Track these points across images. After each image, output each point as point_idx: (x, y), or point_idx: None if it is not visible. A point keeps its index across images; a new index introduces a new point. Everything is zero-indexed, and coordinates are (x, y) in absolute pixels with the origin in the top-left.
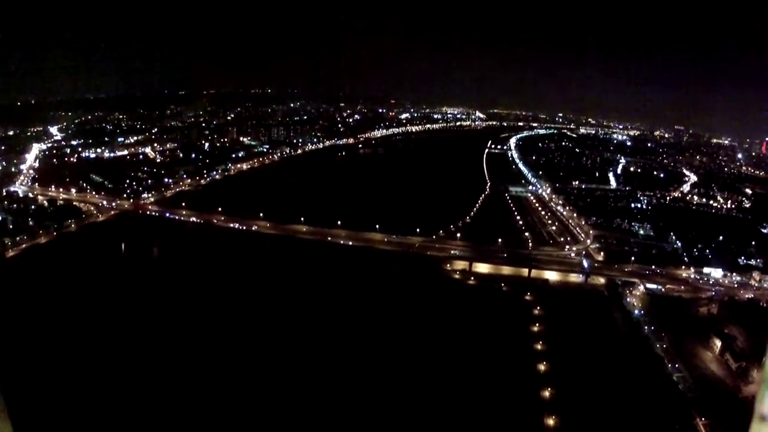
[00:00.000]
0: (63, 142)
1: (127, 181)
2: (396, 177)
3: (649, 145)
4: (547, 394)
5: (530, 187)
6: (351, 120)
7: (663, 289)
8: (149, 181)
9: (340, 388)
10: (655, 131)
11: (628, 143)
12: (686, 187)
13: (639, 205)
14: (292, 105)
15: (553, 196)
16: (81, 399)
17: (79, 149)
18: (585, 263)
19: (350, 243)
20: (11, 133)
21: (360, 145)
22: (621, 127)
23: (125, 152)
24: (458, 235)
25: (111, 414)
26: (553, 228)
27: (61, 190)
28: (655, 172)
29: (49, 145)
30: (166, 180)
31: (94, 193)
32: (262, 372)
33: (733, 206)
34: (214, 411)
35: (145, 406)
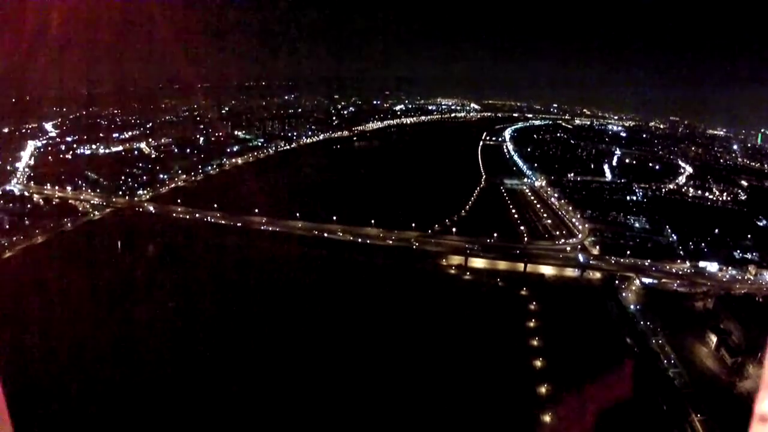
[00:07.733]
0: (58, 139)
1: (123, 177)
2: (391, 170)
3: (644, 136)
4: (543, 390)
5: (525, 180)
6: (346, 112)
7: (658, 284)
8: (144, 177)
9: (334, 384)
10: (650, 122)
11: (624, 134)
12: (682, 179)
13: (634, 198)
14: (286, 98)
15: (549, 188)
16: (80, 398)
17: (74, 145)
18: (580, 257)
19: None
20: (6, 130)
21: (355, 138)
22: (616, 117)
23: (120, 148)
24: (454, 229)
25: (110, 413)
26: (549, 221)
27: (56, 188)
28: (650, 164)
29: (45, 141)
30: (161, 176)
31: (89, 190)
32: (258, 368)
33: (728, 198)
34: (212, 409)
35: (143, 405)
